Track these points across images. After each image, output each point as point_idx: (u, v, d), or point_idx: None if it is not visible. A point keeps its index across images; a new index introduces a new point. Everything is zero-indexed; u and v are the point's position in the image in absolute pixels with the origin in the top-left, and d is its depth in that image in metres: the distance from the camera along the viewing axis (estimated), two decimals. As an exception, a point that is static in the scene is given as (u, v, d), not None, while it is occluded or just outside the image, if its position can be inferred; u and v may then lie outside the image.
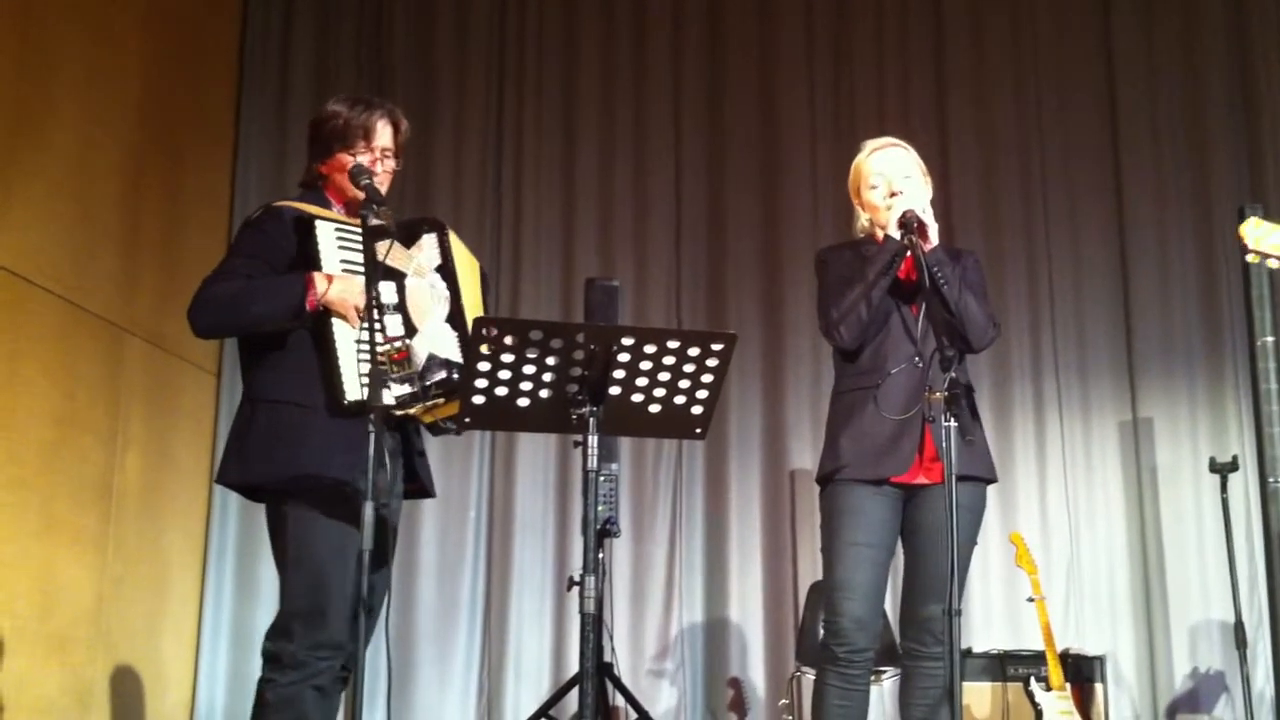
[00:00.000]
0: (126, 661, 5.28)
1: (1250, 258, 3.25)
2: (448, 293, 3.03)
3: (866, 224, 3.42)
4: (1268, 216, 5.06)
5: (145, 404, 5.42)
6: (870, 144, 3.42)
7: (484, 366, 2.63)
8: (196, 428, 5.98)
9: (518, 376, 2.65)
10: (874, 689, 4.59)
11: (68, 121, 4.87)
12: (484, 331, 2.61)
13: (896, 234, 3.16)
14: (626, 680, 5.12)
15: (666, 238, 6.37)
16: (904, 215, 3.14)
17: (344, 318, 2.91)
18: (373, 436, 2.63)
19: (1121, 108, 6.31)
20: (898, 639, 3.43)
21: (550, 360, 2.64)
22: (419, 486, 3.19)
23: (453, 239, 3.12)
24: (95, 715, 5.03)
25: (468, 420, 2.73)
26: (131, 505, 5.29)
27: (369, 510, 2.63)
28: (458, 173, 6.42)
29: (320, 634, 2.85)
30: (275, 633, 2.89)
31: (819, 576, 5.32)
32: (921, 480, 3.23)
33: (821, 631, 3.25)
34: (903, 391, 3.19)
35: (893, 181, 3.31)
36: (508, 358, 2.62)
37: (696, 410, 2.80)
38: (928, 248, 3.14)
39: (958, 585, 2.79)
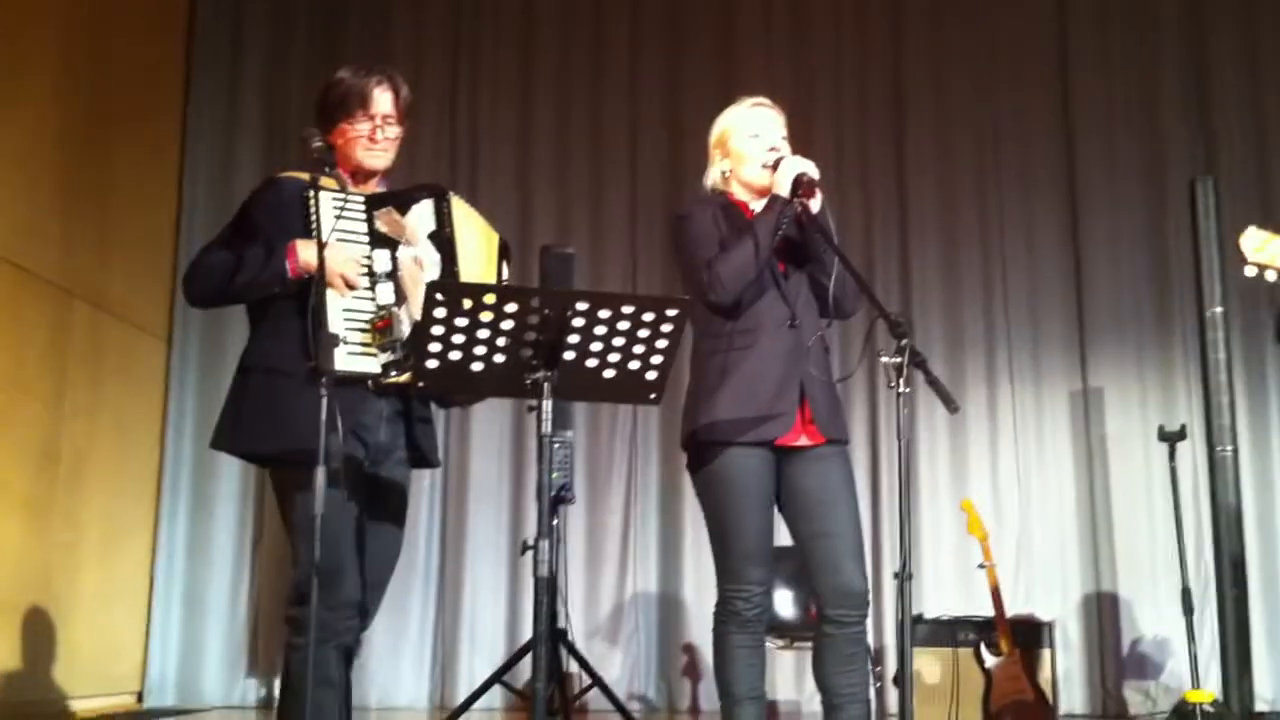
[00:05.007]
0: (77, 628, 5.24)
1: (1249, 270, 2.95)
2: (439, 259, 3.00)
3: (719, 178, 3.41)
4: (1217, 190, 5.16)
5: (94, 369, 5.37)
6: (750, 99, 3.42)
7: (437, 330, 2.61)
8: (146, 393, 5.92)
9: (471, 340, 2.63)
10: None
11: (15, 88, 4.80)
12: (436, 296, 2.59)
13: (785, 193, 3.17)
14: (580, 646, 5.14)
15: (623, 208, 6.36)
16: (800, 177, 3.15)
17: (334, 286, 2.90)
18: (324, 400, 2.62)
19: (1075, 82, 6.34)
20: (798, 610, 3.37)
21: (505, 325, 2.62)
22: (419, 455, 3.12)
23: (458, 205, 3.10)
24: (47, 682, 5.00)
25: (421, 385, 2.72)
26: (80, 471, 5.24)
27: (320, 475, 2.61)
28: (412, 138, 6.34)
29: (338, 593, 2.86)
30: (294, 599, 2.88)
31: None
32: (803, 441, 3.20)
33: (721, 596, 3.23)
34: (782, 353, 3.18)
35: (772, 138, 3.32)
36: (461, 321, 2.60)
37: (651, 376, 2.78)
38: (814, 210, 3.16)
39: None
